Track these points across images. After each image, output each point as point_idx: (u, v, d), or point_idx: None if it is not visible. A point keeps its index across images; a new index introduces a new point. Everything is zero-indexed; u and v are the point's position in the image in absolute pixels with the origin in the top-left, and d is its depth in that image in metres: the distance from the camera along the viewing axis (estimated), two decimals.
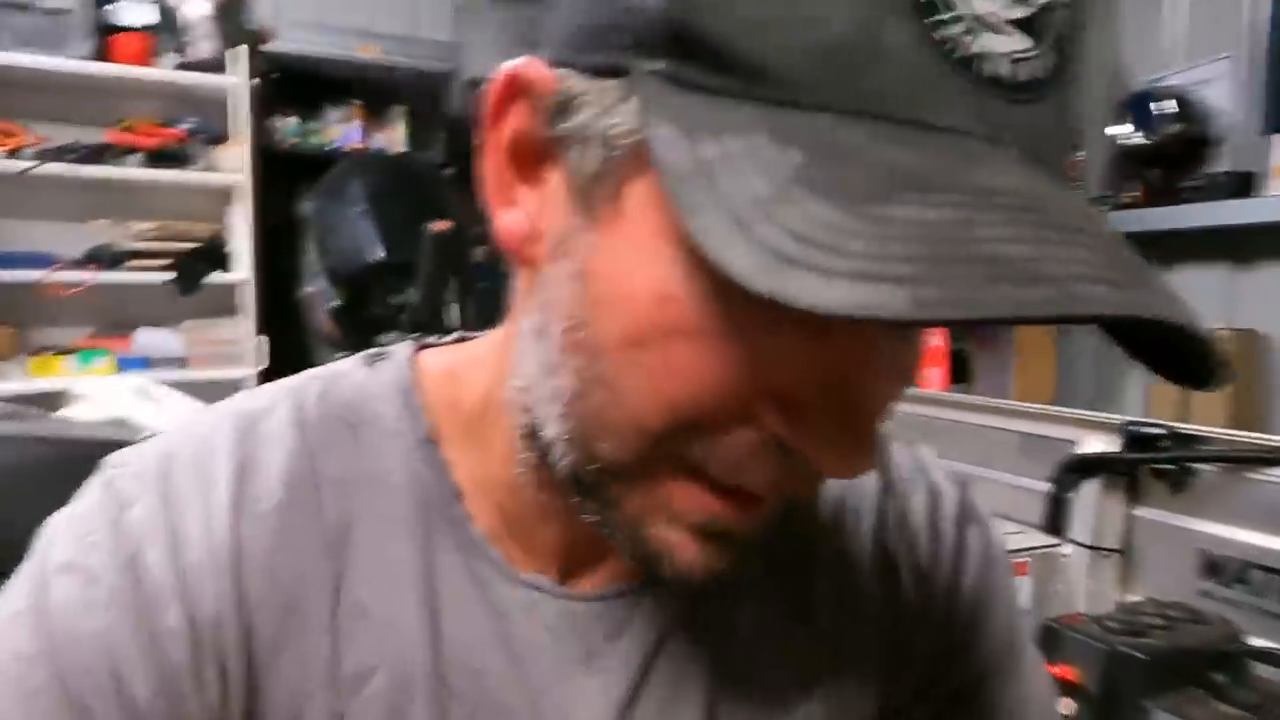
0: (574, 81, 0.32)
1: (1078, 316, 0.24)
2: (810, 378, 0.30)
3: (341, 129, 3.24)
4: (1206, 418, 2.01)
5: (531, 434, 0.36)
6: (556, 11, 0.33)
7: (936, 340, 2.24)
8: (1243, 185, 2.01)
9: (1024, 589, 1.07)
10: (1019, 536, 1.13)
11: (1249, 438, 0.95)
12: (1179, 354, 0.27)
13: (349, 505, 0.41)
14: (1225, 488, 0.96)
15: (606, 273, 0.32)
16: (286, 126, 3.12)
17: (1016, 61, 0.27)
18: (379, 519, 0.41)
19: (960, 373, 2.27)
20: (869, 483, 0.48)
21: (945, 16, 0.26)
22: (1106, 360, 2.33)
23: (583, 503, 0.36)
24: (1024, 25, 0.26)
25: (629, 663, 0.42)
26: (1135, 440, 1.03)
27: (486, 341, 0.43)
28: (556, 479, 0.36)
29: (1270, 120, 2.05)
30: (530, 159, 0.34)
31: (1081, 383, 2.37)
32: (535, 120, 0.33)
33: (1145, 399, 2.21)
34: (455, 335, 0.46)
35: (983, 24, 0.26)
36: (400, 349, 0.45)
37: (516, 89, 0.33)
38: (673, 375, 0.30)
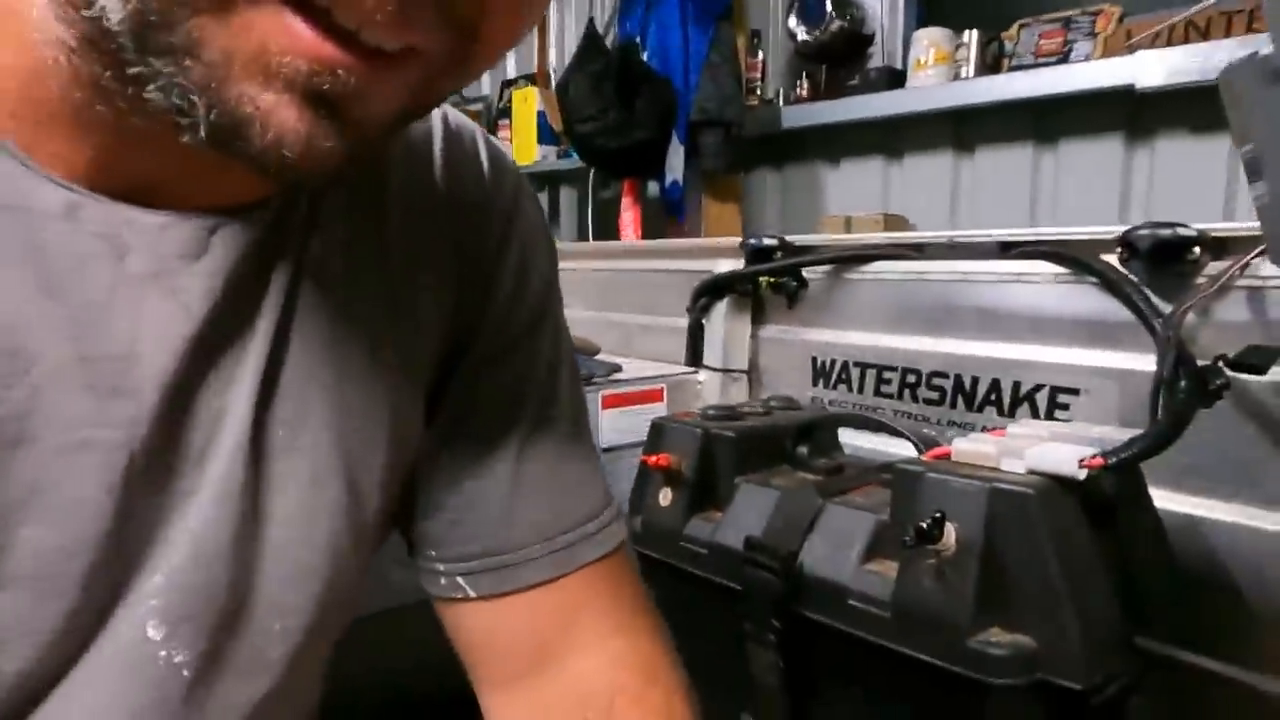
0: None
1: None
2: None
3: None
4: None
5: (67, 3, 0.28)
6: None
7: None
8: (893, 79, 2.17)
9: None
10: (655, 365, 1.11)
11: (849, 239, 0.98)
12: None
13: None
14: (831, 292, 0.99)
15: None
16: None
17: None
18: None
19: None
20: (434, 126, 0.47)
21: None
22: (788, 199, 2.46)
23: (149, 68, 0.27)
24: None
25: (210, 287, 0.36)
26: (754, 254, 1.03)
27: None
28: (111, 47, 0.27)
29: (916, 16, 2.23)
30: None
31: (767, 220, 2.50)
32: None
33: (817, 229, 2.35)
34: None
35: None
36: None
37: None
38: None
